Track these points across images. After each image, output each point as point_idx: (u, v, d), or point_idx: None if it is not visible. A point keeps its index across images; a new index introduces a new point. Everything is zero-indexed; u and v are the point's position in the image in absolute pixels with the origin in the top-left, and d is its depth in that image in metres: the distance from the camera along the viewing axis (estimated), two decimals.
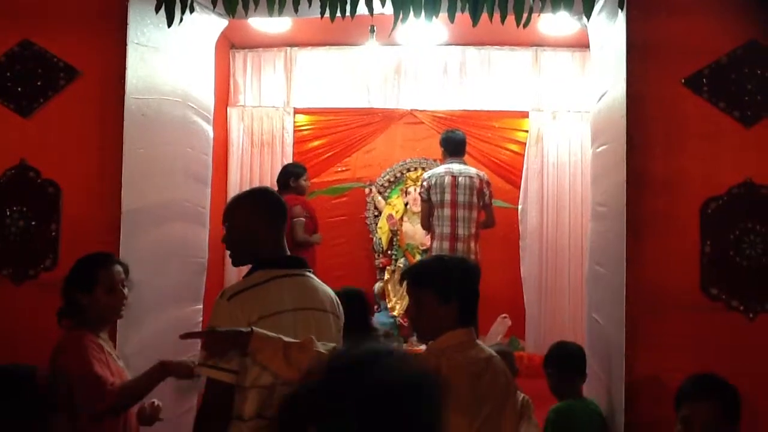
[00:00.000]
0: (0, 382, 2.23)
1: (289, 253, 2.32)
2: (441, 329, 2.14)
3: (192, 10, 3.14)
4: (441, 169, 5.31)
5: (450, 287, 2.16)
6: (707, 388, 2.36)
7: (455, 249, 5.11)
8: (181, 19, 3.12)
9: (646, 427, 2.85)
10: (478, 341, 2.23)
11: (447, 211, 5.17)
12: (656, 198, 2.96)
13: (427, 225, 5.41)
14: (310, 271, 2.30)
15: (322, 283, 2.32)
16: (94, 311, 2.56)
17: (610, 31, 3.26)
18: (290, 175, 5.68)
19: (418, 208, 6.59)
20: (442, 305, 2.14)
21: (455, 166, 5.26)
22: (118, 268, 2.65)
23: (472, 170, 5.34)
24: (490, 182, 5.45)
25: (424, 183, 5.33)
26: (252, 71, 6.96)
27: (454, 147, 5.35)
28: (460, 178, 5.20)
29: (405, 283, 2.28)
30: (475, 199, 5.22)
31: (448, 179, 5.20)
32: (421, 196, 5.42)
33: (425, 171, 6.67)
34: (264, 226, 2.27)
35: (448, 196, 5.18)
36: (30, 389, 2.21)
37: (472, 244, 5.18)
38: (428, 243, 6.52)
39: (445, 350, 2.10)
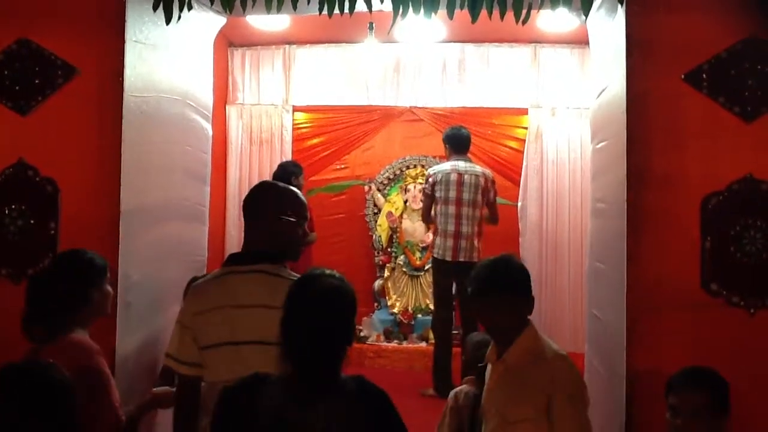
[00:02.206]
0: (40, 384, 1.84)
1: (265, 248, 2.29)
2: (521, 326, 2.34)
3: (190, 8, 3.13)
4: (447, 165, 5.29)
5: (527, 282, 2.38)
6: (694, 377, 2.40)
7: (458, 247, 5.13)
8: (179, 17, 3.11)
9: (646, 423, 2.84)
10: None
11: (452, 209, 5.17)
12: (656, 194, 2.95)
13: (429, 219, 5.43)
14: (276, 266, 2.23)
15: (287, 278, 2.17)
16: (97, 306, 2.56)
17: (609, 27, 3.25)
18: (291, 174, 5.68)
19: (417, 206, 6.61)
20: (520, 302, 2.35)
21: (461, 164, 5.25)
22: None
23: (478, 168, 5.35)
24: (495, 180, 5.46)
25: (430, 179, 5.30)
26: (250, 69, 6.96)
27: (458, 144, 5.33)
28: (465, 176, 5.20)
29: (476, 295, 2.39)
30: (479, 198, 5.23)
31: (454, 176, 5.19)
32: (425, 191, 5.39)
33: (425, 168, 6.69)
34: (245, 223, 2.36)
35: (453, 194, 5.17)
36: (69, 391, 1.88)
37: (475, 242, 5.19)
38: (428, 240, 6.53)
39: (540, 353, 2.32)
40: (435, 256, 5.28)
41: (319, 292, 1.82)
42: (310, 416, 1.72)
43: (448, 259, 5.15)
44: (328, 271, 1.88)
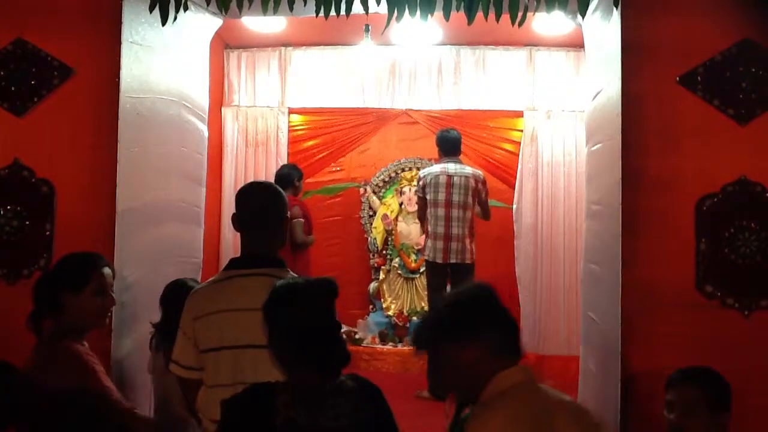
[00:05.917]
0: None
1: (269, 251, 2.26)
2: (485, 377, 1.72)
3: (186, 9, 3.12)
4: (437, 168, 5.34)
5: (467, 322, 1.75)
6: (691, 374, 2.43)
7: (449, 248, 5.15)
8: (175, 18, 3.10)
9: (641, 425, 2.85)
10: None
11: (441, 211, 5.19)
12: (651, 196, 2.96)
13: (424, 217, 5.48)
14: (280, 270, 2.21)
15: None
16: (80, 315, 2.38)
17: (604, 30, 3.27)
18: (293, 176, 5.70)
19: (413, 208, 6.60)
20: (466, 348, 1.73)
21: (451, 166, 5.27)
22: (108, 270, 2.50)
23: (468, 169, 5.35)
24: (486, 181, 5.48)
25: (420, 181, 5.38)
26: (246, 71, 6.95)
27: (448, 146, 5.36)
28: (455, 178, 5.22)
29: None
30: (469, 199, 5.24)
31: (443, 178, 5.22)
32: (417, 194, 5.46)
33: (420, 171, 6.70)
34: (242, 225, 2.29)
35: (442, 196, 5.20)
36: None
37: (467, 243, 5.20)
38: (423, 242, 6.53)
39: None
40: (426, 258, 5.33)
41: (304, 294, 1.83)
42: (320, 418, 1.73)
43: (439, 261, 5.19)
44: (299, 277, 1.92)
